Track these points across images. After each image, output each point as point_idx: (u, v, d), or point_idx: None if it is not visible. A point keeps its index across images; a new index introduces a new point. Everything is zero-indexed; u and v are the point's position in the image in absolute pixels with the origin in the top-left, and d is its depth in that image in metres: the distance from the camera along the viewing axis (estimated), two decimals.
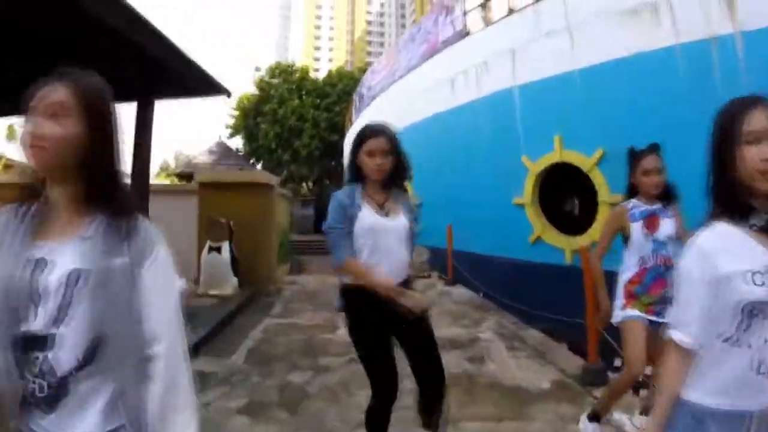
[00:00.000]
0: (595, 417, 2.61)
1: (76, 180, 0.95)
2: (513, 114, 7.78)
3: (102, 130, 0.96)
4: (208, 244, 6.36)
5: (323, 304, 6.41)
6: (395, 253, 2.08)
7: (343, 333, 4.77)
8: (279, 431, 2.93)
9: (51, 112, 0.91)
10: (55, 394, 0.87)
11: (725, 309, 1.06)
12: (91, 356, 0.89)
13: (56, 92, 0.92)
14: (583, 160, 6.78)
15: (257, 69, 32.22)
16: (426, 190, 8.47)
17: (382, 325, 2.05)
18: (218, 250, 6.30)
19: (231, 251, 6.45)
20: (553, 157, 7.18)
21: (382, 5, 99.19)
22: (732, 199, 1.08)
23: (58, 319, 0.87)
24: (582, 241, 6.88)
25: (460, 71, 9.11)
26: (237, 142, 31.54)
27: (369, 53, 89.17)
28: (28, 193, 0.97)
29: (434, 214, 8.27)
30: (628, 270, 2.50)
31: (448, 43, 9.89)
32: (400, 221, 2.09)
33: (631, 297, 2.46)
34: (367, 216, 2.03)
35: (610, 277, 2.60)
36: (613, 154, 6.39)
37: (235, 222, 6.73)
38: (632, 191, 2.56)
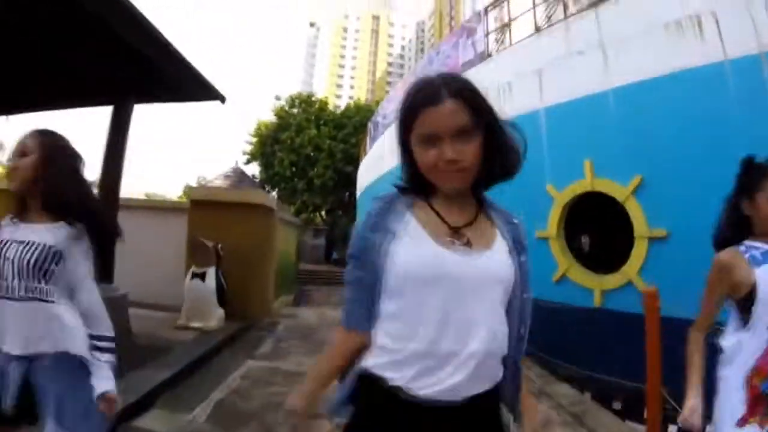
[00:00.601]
0: None
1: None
2: (538, 138, 7.11)
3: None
4: (191, 269, 5.62)
5: (319, 343, 5.63)
6: (485, 327, 0.95)
7: (334, 387, 3.97)
8: None
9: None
10: None
11: None
12: None
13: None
14: (618, 189, 6.03)
15: (277, 98, 32.67)
16: None
17: None
18: (202, 276, 5.54)
19: (218, 278, 5.69)
20: (584, 185, 6.45)
21: (402, 48, 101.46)
22: None
23: None
24: (614, 280, 6.08)
25: None
26: (254, 169, 31.53)
27: (388, 93, 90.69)
28: None
29: None
30: (741, 348, 1.48)
31: (468, 65, 9.35)
32: (496, 260, 1.00)
33: (759, 402, 1.42)
34: (416, 245, 0.96)
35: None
36: (652, 181, 5.70)
37: (226, 246, 6.02)
38: (739, 228, 1.59)
